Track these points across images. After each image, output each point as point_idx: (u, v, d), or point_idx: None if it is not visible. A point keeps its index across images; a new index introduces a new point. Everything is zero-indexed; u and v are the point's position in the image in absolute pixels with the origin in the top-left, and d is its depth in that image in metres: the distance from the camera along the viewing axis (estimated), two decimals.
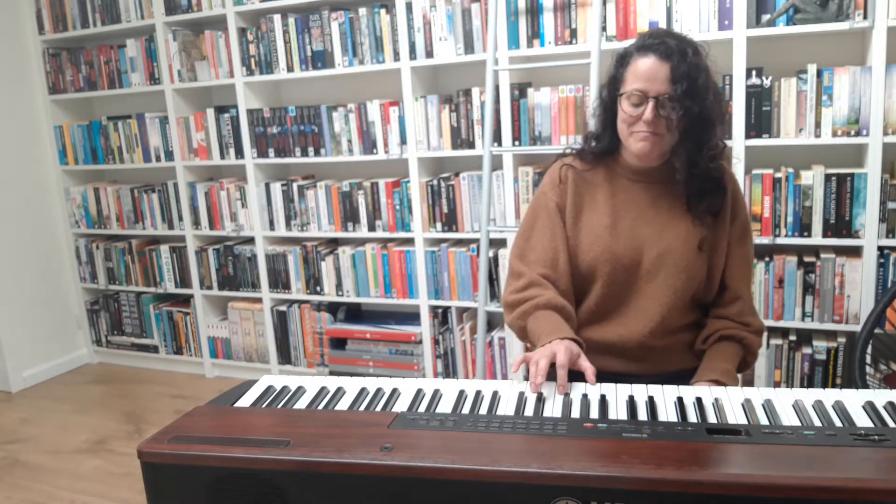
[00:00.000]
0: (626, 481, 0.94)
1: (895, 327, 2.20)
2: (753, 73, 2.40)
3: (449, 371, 3.13)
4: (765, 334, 1.65)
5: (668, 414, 1.18)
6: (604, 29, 2.55)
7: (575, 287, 1.59)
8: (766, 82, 2.39)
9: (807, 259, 2.49)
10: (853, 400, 1.20)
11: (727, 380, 1.46)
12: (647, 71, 1.43)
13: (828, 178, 2.39)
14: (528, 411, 1.20)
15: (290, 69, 3.12)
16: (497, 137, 2.76)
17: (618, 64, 1.51)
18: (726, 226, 1.55)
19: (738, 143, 2.45)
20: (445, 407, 1.24)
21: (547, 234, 1.58)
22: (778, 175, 2.45)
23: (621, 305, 1.56)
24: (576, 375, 1.34)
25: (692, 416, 1.17)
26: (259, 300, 3.45)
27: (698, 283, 1.55)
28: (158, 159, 3.52)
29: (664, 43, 1.43)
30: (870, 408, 1.16)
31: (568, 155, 1.65)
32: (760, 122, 2.43)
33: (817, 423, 1.11)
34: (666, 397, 1.24)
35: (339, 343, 3.22)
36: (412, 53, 2.87)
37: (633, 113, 1.45)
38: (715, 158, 1.50)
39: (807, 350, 2.52)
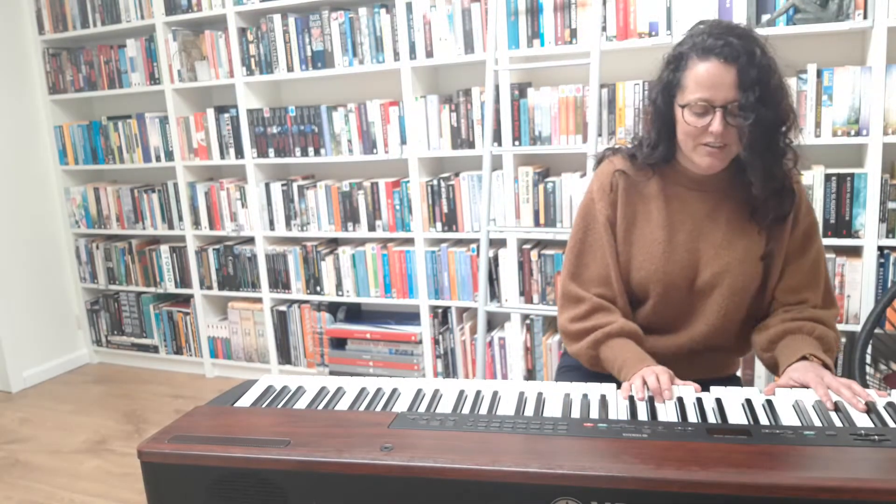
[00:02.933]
0: (626, 481, 0.94)
1: (895, 327, 2.20)
2: None
3: (449, 371, 3.13)
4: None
5: (668, 414, 1.18)
6: (604, 29, 2.54)
7: None
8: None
9: None
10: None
11: (821, 355, 1.31)
12: (710, 77, 1.28)
13: (828, 178, 2.39)
14: (528, 411, 1.20)
15: (290, 69, 3.12)
16: (497, 137, 2.76)
17: (672, 66, 1.36)
18: (786, 235, 1.42)
19: None
20: (445, 407, 1.24)
21: (599, 251, 1.47)
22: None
23: (670, 321, 1.48)
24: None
25: (692, 416, 1.17)
26: (259, 300, 3.45)
27: (750, 302, 1.46)
28: (158, 159, 3.52)
29: (728, 44, 1.28)
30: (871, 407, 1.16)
31: (616, 152, 1.51)
32: None
33: (817, 423, 1.11)
34: None
35: (339, 343, 3.22)
36: (412, 53, 2.87)
37: (697, 124, 1.31)
38: (792, 167, 1.38)
39: None
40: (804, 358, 1.32)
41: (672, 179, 1.46)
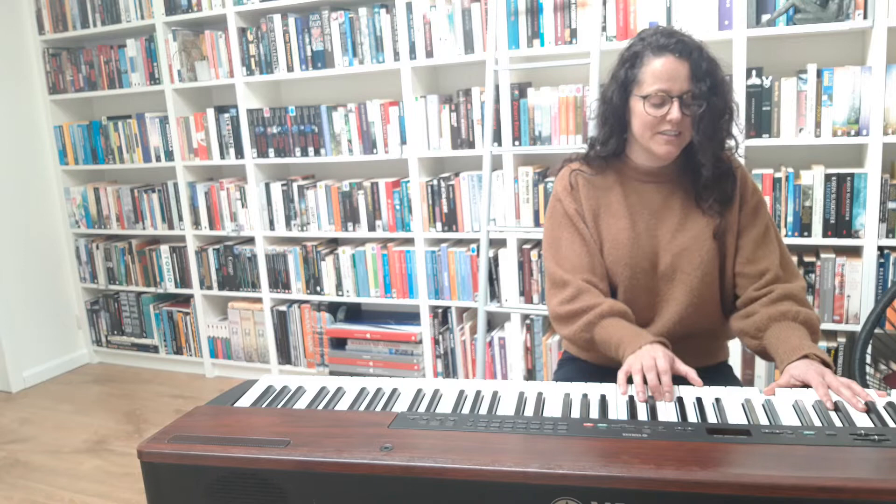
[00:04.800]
0: (626, 481, 0.94)
1: (895, 327, 2.20)
2: (753, 73, 2.40)
3: (449, 371, 3.13)
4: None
5: (667, 414, 1.18)
6: (603, 29, 2.55)
7: None
8: (766, 82, 2.39)
9: (807, 259, 2.49)
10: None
11: (817, 351, 1.35)
12: (667, 71, 1.40)
13: (828, 177, 2.39)
14: (528, 411, 1.20)
15: (290, 69, 3.12)
16: (497, 137, 2.76)
17: (628, 65, 1.46)
18: (735, 214, 1.52)
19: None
20: (445, 407, 1.24)
21: (576, 240, 1.55)
22: (778, 175, 2.45)
23: (641, 309, 1.53)
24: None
25: (692, 416, 1.17)
26: (259, 300, 3.45)
27: (716, 279, 1.52)
28: (158, 159, 3.52)
29: (680, 41, 1.41)
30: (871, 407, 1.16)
31: (573, 160, 1.61)
32: (760, 122, 2.43)
33: (817, 423, 1.11)
34: None
35: (339, 343, 3.22)
36: (412, 53, 2.87)
37: (656, 114, 1.41)
38: (734, 152, 1.50)
39: None
40: (804, 356, 1.33)
41: (626, 174, 1.56)
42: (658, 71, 1.41)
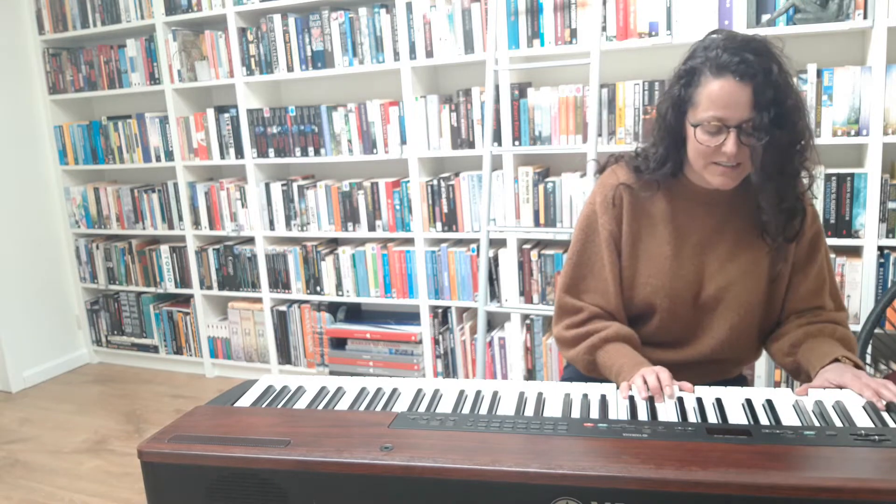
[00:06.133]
0: (626, 481, 0.94)
1: (895, 327, 2.20)
2: None
3: (449, 371, 3.13)
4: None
5: (668, 414, 1.18)
6: (603, 29, 2.54)
7: (629, 317, 1.48)
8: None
9: None
10: (853, 400, 1.20)
11: (850, 355, 1.29)
12: (725, 96, 1.23)
13: (828, 178, 2.39)
14: (529, 411, 1.20)
15: (290, 69, 3.12)
16: (497, 137, 2.76)
17: (683, 82, 1.30)
18: (792, 249, 1.39)
19: None
20: (445, 407, 1.24)
21: (598, 264, 1.45)
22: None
23: (677, 336, 1.46)
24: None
25: (692, 416, 1.16)
26: (259, 300, 3.45)
27: (759, 317, 1.44)
28: (158, 159, 3.52)
29: (744, 60, 1.22)
30: (870, 408, 1.16)
31: (620, 160, 1.48)
32: None
33: (817, 423, 1.11)
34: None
35: (339, 343, 3.22)
36: (412, 53, 2.87)
37: (710, 143, 1.26)
38: (807, 188, 1.35)
39: None
40: (836, 360, 1.30)
41: (678, 194, 1.42)
42: (715, 95, 1.24)
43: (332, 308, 3.33)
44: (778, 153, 1.25)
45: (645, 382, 1.26)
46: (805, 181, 1.36)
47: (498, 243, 2.93)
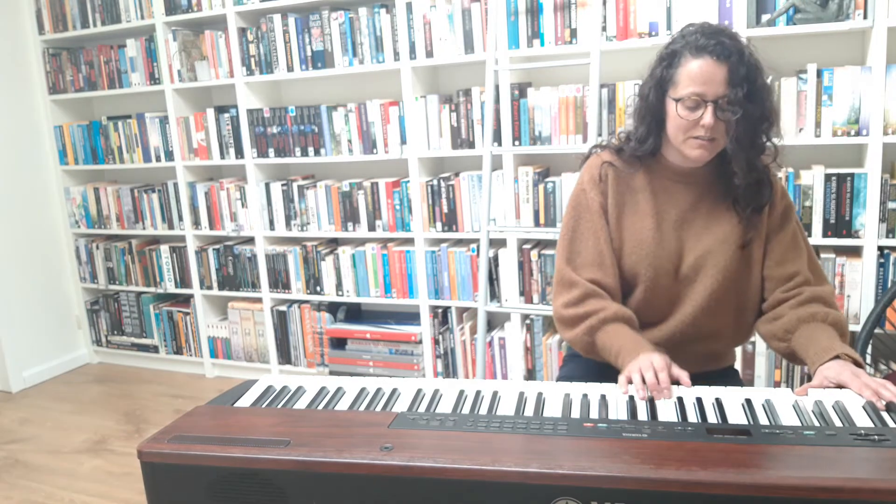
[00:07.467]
0: (626, 481, 0.94)
1: (895, 327, 2.20)
2: None
3: (449, 371, 3.13)
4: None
5: (668, 414, 1.18)
6: (603, 29, 2.55)
7: None
8: (766, 82, 2.39)
9: None
10: (853, 400, 1.20)
11: (849, 351, 1.33)
12: (703, 73, 1.36)
13: (828, 177, 2.39)
14: (528, 411, 1.20)
15: (290, 69, 3.12)
16: (497, 137, 2.76)
17: (665, 63, 1.43)
18: (764, 219, 1.49)
19: None
20: (445, 407, 1.24)
21: (591, 235, 1.53)
22: (778, 175, 2.45)
23: (660, 308, 1.52)
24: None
25: (692, 416, 1.17)
26: (259, 300, 3.45)
27: (736, 283, 1.49)
28: (158, 159, 3.52)
29: (720, 43, 1.36)
30: (870, 408, 1.16)
31: (604, 148, 1.58)
32: None
33: (817, 423, 1.11)
34: None
35: (339, 343, 3.22)
36: (412, 53, 2.87)
37: (689, 117, 1.38)
38: (771, 161, 1.46)
39: None
40: (835, 357, 1.32)
41: (658, 172, 1.53)
42: (694, 73, 1.37)
43: (332, 308, 3.33)
44: (749, 126, 1.38)
45: (643, 381, 1.26)
46: (770, 157, 1.48)
47: (498, 243, 2.93)
